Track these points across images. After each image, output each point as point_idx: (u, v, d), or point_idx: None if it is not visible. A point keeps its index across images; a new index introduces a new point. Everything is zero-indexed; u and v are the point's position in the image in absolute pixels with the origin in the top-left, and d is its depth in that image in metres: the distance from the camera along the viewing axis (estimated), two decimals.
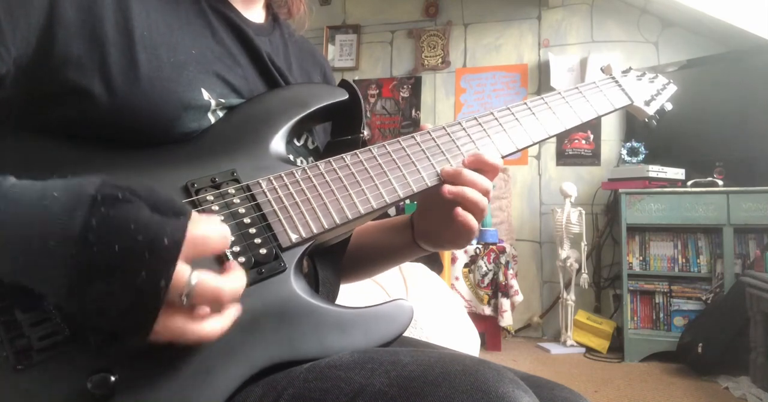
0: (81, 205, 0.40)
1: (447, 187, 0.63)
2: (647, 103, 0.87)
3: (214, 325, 0.44)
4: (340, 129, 0.72)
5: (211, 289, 0.42)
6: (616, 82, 0.85)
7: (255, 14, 0.72)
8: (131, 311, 0.39)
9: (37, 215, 0.40)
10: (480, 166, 0.66)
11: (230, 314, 0.45)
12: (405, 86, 4.02)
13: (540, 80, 3.71)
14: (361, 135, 0.69)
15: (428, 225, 0.73)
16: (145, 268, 0.39)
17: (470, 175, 0.64)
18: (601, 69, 0.89)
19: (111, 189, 0.41)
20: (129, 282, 0.39)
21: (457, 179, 0.64)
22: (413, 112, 3.98)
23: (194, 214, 0.43)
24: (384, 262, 0.83)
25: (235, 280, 0.44)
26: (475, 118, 0.70)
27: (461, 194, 0.63)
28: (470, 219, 0.64)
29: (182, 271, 0.41)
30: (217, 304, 0.43)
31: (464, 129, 0.69)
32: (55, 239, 0.39)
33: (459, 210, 0.63)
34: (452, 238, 0.70)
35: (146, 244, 0.39)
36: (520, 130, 0.72)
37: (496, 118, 0.71)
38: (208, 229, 0.43)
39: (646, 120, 0.89)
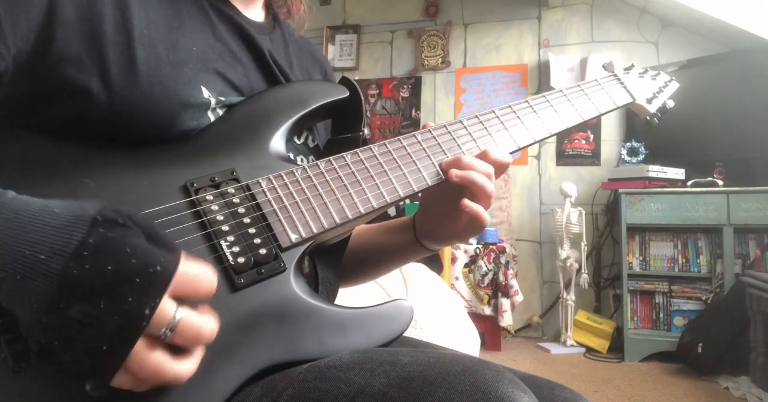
0: (81, 224, 0.40)
1: (454, 171, 0.63)
2: (649, 101, 0.87)
3: (189, 366, 0.42)
4: (340, 127, 0.72)
5: (195, 327, 0.41)
6: (618, 79, 0.84)
7: (255, 13, 0.72)
8: (110, 338, 0.38)
9: (35, 228, 0.39)
10: (486, 161, 0.66)
11: (200, 356, 0.44)
12: (405, 86, 4.02)
13: (540, 80, 3.70)
14: (362, 133, 0.69)
15: (431, 221, 0.72)
16: (133, 293, 0.38)
17: (470, 159, 0.64)
18: (603, 66, 0.89)
19: (111, 213, 0.41)
20: (115, 305, 0.38)
21: (458, 165, 0.64)
22: (413, 112, 3.98)
23: (184, 254, 0.42)
24: (387, 264, 0.82)
25: (213, 321, 0.43)
26: (477, 117, 0.70)
27: (468, 177, 0.63)
28: (478, 208, 0.64)
29: (168, 304, 0.40)
30: (196, 344, 0.42)
31: (465, 127, 0.69)
32: (47, 253, 0.38)
33: (466, 201, 0.63)
34: (458, 231, 0.69)
35: (138, 269, 0.39)
36: (521, 129, 0.72)
37: (497, 116, 0.71)
38: (199, 270, 0.43)
39: (648, 118, 0.88)
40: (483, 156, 0.66)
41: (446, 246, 0.77)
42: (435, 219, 0.72)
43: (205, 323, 0.42)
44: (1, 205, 0.41)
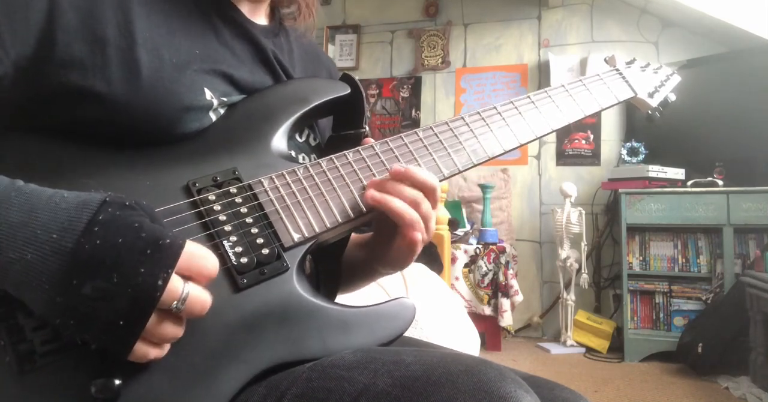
0: (91, 205, 0.42)
1: (370, 193, 0.57)
2: (651, 95, 0.86)
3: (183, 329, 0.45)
4: (341, 124, 0.72)
5: (201, 301, 0.44)
6: (620, 73, 0.84)
7: (259, 18, 0.72)
8: (125, 312, 0.39)
9: (46, 210, 0.41)
10: (406, 182, 0.59)
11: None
12: (405, 86, 4.02)
13: (540, 80, 3.71)
14: (362, 130, 0.69)
15: (375, 242, 0.67)
16: (144, 265, 0.40)
17: (392, 183, 0.58)
18: (605, 60, 0.88)
19: (118, 197, 0.43)
20: (127, 278, 0.39)
21: (381, 187, 0.58)
22: (413, 112, 3.98)
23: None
24: (352, 279, 0.75)
25: (209, 294, 0.45)
26: (478, 113, 0.70)
27: (384, 202, 0.57)
28: (413, 236, 0.57)
29: (177, 280, 0.42)
30: (198, 316, 0.44)
31: (467, 124, 0.68)
32: (59, 232, 0.40)
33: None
34: (390, 259, 0.64)
35: (148, 241, 0.41)
36: (522, 125, 0.71)
37: (499, 113, 0.71)
38: (204, 251, 0.45)
39: (650, 112, 0.88)
40: (405, 176, 0.59)
41: (388, 273, 0.69)
42: (378, 240, 0.66)
43: (207, 296, 0.45)
44: (13, 190, 0.42)
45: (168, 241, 0.41)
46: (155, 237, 0.41)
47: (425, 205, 0.58)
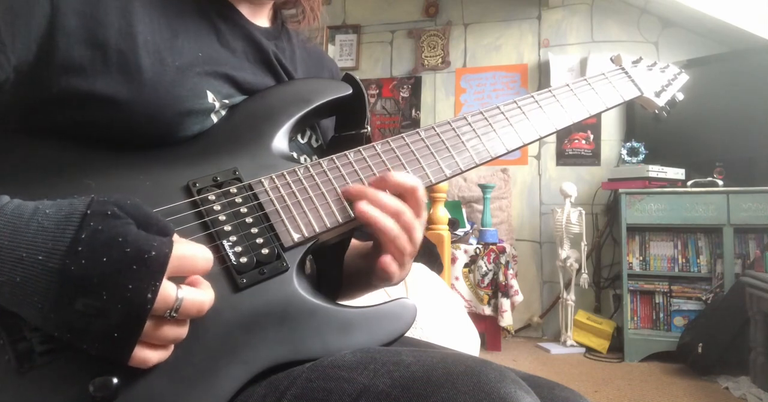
0: (72, 221, 0.41)
1: (360, 206, 0.55)
2: (657, 94, 0.85)
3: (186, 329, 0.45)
4: (344, 124, 0.71)
5: (197, 304, 0.44)
6: (626, 72, 0.83)
7: (261, 21, 0.72)
8: (119, 325, 0.40)
9: (29, 230, 0.41)
10: (387, 188, 0.57)
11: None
12: (405, 86, 4.01)
13: (540, 80, 3.71)
14: (365, 130, 0.68)
15: (372, 255, 0.63)
16: (132, 281, 0.40)
17: (374, 193, 0.56)
18: (611, 59, 0.87)
19: (101, 206, 0.42)
20: (117, 295, 0.39)
21: (363, 197, 0.56)
22: (413, 112, 3.98)
23: (176, 235, 0.45)
24: (352, 289, 0.72)
25: (209, 292, 0.46)
26: (481, 113, 0.69)
27: (373, 220, 0.55)
28: (387, 261, 0.57)
29: (169, 287, 0.42)
30: (198, 316, 0.45)
31: (470, 124, 0.68)
32: (44, 254, 0.40)
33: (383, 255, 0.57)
34: (372, 278, 0.62)
35: (134, 257, 0.40)
36: (526, 124, 0.70)
37: (502, 112, 0.70)
38: (192, 249, 0.44)
39: (656, 111, 0.87)
40: (383, 183, 0.57)
41: (380, 286, 0.67)
42: (373, 251, 0.63)
43: (205, 296, 0.45)
44: None
45: (153, 253, 0.41)
46: (140, 251, 0.40)
47: (407, 215, 0.57)
